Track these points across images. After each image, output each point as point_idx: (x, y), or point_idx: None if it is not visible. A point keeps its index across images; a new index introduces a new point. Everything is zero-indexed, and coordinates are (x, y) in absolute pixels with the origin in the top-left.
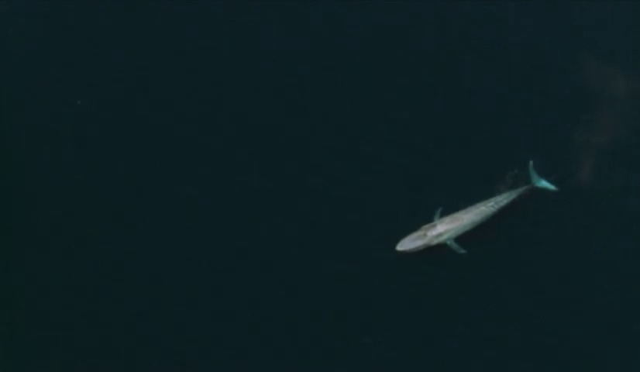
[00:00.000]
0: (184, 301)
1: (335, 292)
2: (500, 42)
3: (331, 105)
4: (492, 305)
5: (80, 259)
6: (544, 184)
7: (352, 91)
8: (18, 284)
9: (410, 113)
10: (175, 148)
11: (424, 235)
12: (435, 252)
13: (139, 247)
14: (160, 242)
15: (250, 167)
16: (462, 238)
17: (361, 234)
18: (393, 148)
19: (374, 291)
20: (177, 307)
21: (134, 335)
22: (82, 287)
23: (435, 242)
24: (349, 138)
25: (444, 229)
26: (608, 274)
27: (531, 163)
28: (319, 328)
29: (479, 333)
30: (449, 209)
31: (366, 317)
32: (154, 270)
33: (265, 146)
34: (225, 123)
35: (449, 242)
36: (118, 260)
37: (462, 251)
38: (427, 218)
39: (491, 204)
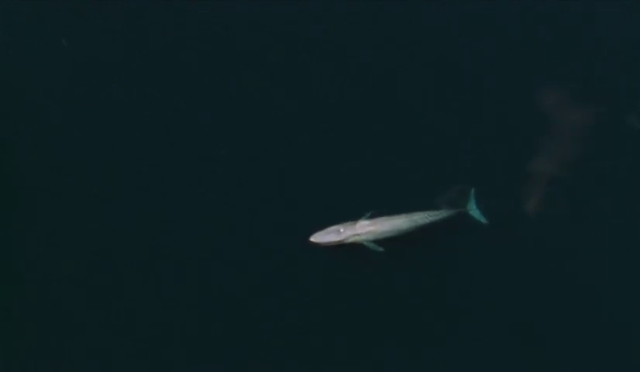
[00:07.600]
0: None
1: (250, 283)
2: (467, 60)
3: (288, 105)
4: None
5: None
6: (476, 214)
7: (308, 91)
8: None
9: (366, 119)
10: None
11: (340, 231)
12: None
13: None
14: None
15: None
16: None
17: (288, 228)
18: (343, 150)
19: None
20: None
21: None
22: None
23: (350, 240)
24: (298, 135)
25: (362, 230)
26: (554, 301)
27: (472, 190)
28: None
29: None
30: (382, 214)
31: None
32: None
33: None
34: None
35: (365, 243)
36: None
37: (380, 249)
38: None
39: (415, 219)
